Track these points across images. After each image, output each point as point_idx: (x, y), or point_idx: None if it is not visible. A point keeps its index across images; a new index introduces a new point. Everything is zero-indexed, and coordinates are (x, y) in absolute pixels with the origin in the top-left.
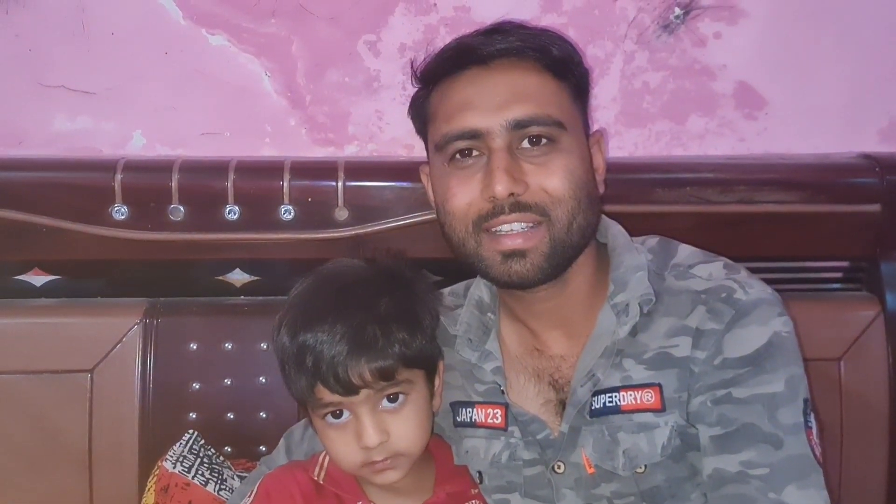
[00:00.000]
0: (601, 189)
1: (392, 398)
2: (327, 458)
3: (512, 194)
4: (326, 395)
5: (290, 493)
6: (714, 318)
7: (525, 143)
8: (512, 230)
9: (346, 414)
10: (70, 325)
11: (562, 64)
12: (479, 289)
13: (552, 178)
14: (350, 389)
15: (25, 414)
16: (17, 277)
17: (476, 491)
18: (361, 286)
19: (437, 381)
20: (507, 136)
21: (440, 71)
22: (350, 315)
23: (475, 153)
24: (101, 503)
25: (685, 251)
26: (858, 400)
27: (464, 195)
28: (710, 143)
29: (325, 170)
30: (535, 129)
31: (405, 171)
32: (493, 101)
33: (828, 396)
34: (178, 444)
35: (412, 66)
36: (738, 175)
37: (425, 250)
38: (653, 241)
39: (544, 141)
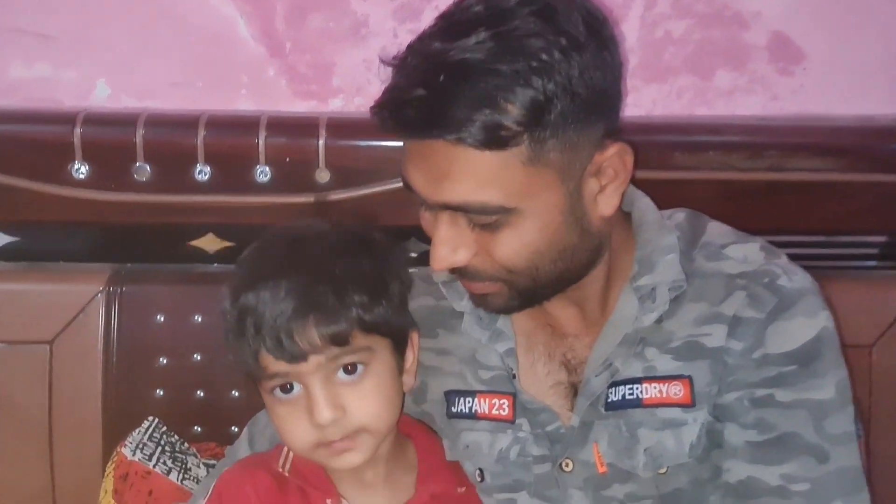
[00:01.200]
0: (609, 209)
1: (349, 369)
2: (292, 454)
3: (453, 267)
4: (271, 364)
5: (245, 496)
6: (754, 305)
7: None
8: None
9: (296, 387)
10: (27, 291)
11: (529, 114)
12: None
13: (501, 250)
14: (296, 355)
15: None
16: None
17: (462, 490)
18: (316, 245)
19: (409, 356)
20: (449, 210)
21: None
22: (298, 273)
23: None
24: (63, 482)
25: (716, 229)
26: (892, 390)
27: (428, 234)
28: (739, 102)
29: (305, 126)
30: (471, 217)
31: None
32: (422, 178)
33: (858, 386)
34: (137, 431)
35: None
36: (769, 138)
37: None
38: (680, 215)
39: (488, 224)
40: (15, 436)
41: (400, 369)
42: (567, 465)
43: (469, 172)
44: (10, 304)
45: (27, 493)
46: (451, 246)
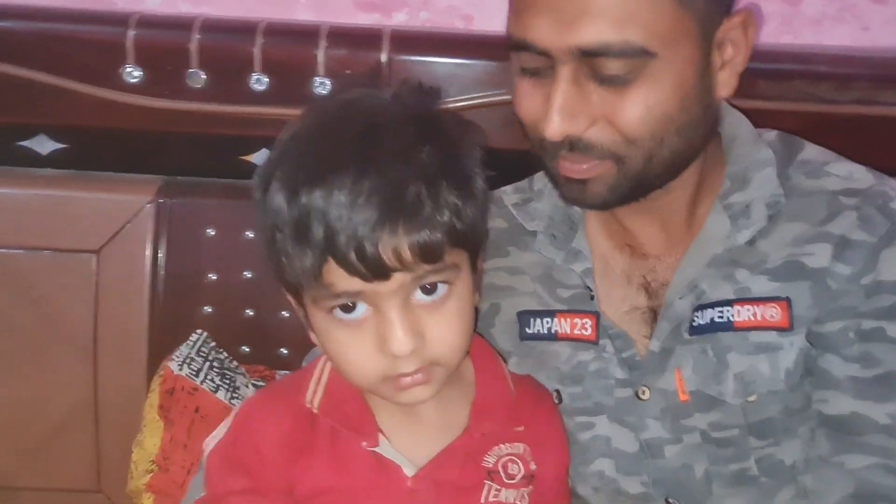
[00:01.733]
0: (726, 90)
1: (428, 289)
2: (325, 373)
3: (568, 136)
4: (341, 281)
5: (263, 439)
6: (866, 227)
7: (599, 72)
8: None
9: (361, 307)
10: (76, 199)
11: None
12: None
13: (625, 114)
14: (379, 272)
15: (26, 295)
16: (21, 143)
17: (521, 429)
18: (393, 127)
19: (480, 267)
20: (574, 63)
21: None
22: (382, 166)
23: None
24: (106, 395)
25: (814, 148)
26: None
27: (531, 108)
28: (827, 31)
29: (367, 38)
30: (607, 64)
31: (462, 45)
32: (551, 20)
33: None
34: (184, 345)
35: None
36: (859, 69)
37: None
38: (771, 134)
39: (620, 76)
40: (59, 345)
41: (476, 289)
42: (644, 392)
43: (612, 5)
44: (57, 211)
45: (70, 403)
46: (569, 110)
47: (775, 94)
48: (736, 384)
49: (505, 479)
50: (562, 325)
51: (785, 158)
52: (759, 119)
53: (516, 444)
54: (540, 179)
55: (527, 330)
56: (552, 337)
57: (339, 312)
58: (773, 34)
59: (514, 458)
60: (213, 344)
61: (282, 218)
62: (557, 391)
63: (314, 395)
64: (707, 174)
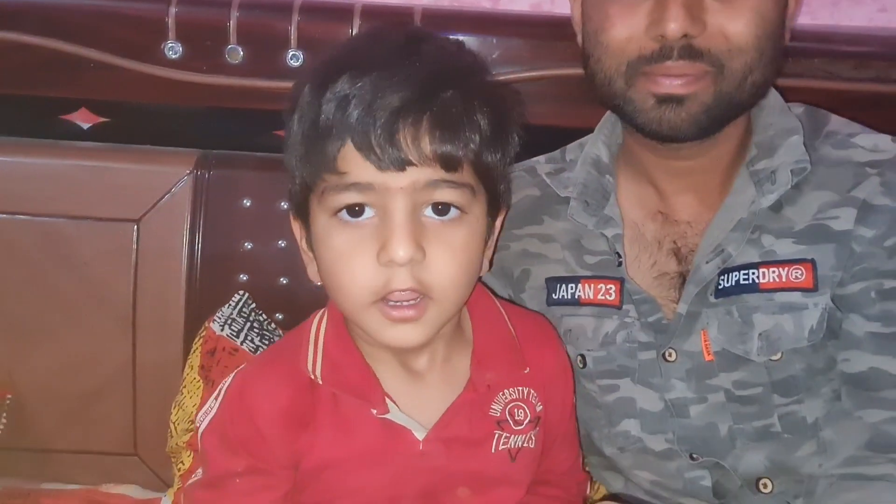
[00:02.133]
0: (788, 36)
1: (440, 209)
2: (321, 337)
3: (686, 35)
4: (355, 168)
5: (260, 411)
6: (889, 192)
7: None
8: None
9: (368, 212)
10: (117, 170)
11: None
12: (597, 147)
13: (737, 22)
14: (394, 160)
15: (67, 262)
16: (63, 117)
17: (528, 370)
18: (442, 48)
19: (495, 230)
20: None
21: None
22: (421, 65)
23: None
24: (144, 362)
25: (840, 120)
26: None
27: (624, 27)
28: (845, 12)
29: (399, 16)
30: None
31: (488, 22)
32: None
33: None
34: (226, 306)
35: None
36: (877, 48)
37: None
38: (799, 108)
39: None
40: (99, 311)
41: (485, 242)
42: (670, 354)
43: None
44: (98, 181)
45: (109, 368)
46: (690, 10)
47: (796, 71)
48: (761, 343)
49: (513, 426)
50: (585, 291)
51: (811, 130)
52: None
53: (521, 387)
54: (573, 150)
55: (553, 296)
56: (576, 302)
57: (344, 215)
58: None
59: (519, 402)
60: (253, 305)
61: (307, 106)
62: (582, 356)
63: (314, 362)
64: (740, 142)
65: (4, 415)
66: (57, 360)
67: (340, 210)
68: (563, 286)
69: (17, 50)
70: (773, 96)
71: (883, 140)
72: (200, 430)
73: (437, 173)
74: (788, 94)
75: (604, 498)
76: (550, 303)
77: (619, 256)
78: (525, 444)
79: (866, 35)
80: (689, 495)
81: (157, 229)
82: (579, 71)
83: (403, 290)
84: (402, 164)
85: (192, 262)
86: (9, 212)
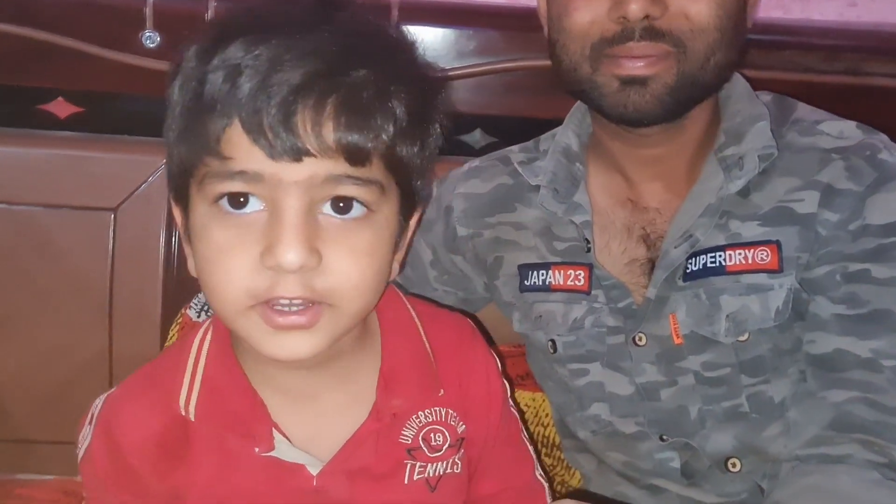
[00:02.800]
0: (750, 22)
1: (341, 206)
2: (201, 362)
3: (647, 16)
4: (243, 154)
5: (126, 448)
6: (853, 177)
7: None
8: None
9: (254, 203)
10: (94, 159)
11: None
12: (567, 136)
13: (698, 3)
14: (290, 147)
15: (44, 250)
16: (40, 107)
17: (442, 393)
18: (357, 21)
19: (409, 229)
20: None
21: None
22: (330, 37)
23: None
24: (120, 351)
25: (806, 107)
26: None
27: (587, 10)
28: (815, 7)
29: (376, 8)
30: None
31: (464, 14)
32: None
33: None
34: (202, 293)
35: None
36: (846, 41)
37: (481, 106)
38: (766, 96)
39: None
40: (75, 300)
41: (396, 244)
42: (640, 339)
43: None
44: (75, 170)
45: (84, 357)
46: None
47: (768, 63)
48: (728, 324)
49: (429, 454)
50: (556, 277)
51: (779, 118)
52: (753, 88)
53: (437, 408)
54: (546, 140)
55: (525, 282)
56: (546, 288)
57: (226, 204)
58: (763, 9)
59: (436, 426)
60: None
61: (191, 72)
62: (553, 341)
63: (188, 397)
64: (706, 130)
65: None
66: (32, 350)
67: (221, 198)
68: (535, 273)
69: None
70: (741, 84)
71: (848, 127)
72: (79, 459)
73: (339, 167)
74: (760, 86)
75: (568, 494)
76: (523, 289)
77: (588, 243)
78: (448, 470)
79: (836, 28)
80: (659, 476)
81: (134, 218)
82: None
83: (290, 298)
84: (298, 154)
85: (169, 250)
86: None
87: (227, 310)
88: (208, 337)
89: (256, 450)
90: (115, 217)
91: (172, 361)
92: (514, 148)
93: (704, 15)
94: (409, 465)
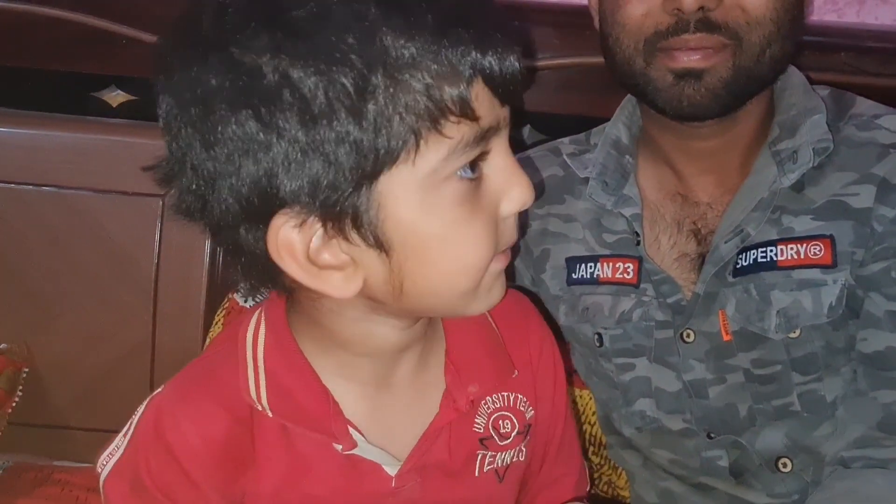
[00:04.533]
0: (807, 12)
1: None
2: (260, 353)
3: (702, 7)
4: (487, 108)
5: (182, 463)
6: None
7: None
8: (690, 48)
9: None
10: (145, 145)
11: None
12: (617, 128)
13: None
14: (517, 85)
15: (91, 235)
16: (93, 94)
17: (516, 374)
18: None
19: None
20: None
21: None
22: None
23: None
24: (164, 335)
25: (865, 102)
26: None
27: (640, 3)
28: (870, 11)
29: None
30: None
31: (518, 10)
32: None
33: None
34: None
35: None
36: None
37: (532, 102)
38: (823, 90)
39: None
40: (121, 285)
41: None
42: (688, 335)
43: None
44: (126, 155)
45: (128, 343)
46: None
47: (822, 65)
48: (779, 320)
49: (499, 442)
50: (604, 270)
51: (836, 112)
52: None
53: (506, 393)
54: (597, 133)
55: (573, 275)
56: (594, 281)
57: (466, 172)
58: (817, 13)
59: (505, 412)
60: None
61: (399, 52)
62: (599, 334)
63: (257, 387)
64: (760, 123)
65: (20, 388)
66: (76, 335)
67: (463, 166)
68: (583, 265)
69: (50, 25)
70: (797, 76)
71: None
72: (102, 477)
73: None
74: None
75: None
76: (570, 282)
77: (637, 235)
78: (514, 459)
79: (892, 32)
80: (706, 474)
81: None
82: None
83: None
84: (516, 94)
85: None
86: (35, 183)
87: (477, 282)
88: (262, 326)
89: (339, 448)
90: (163, 204)
91: (224, 359)
92: (565, 140)
93: (760, 7)
94: (479, 456)
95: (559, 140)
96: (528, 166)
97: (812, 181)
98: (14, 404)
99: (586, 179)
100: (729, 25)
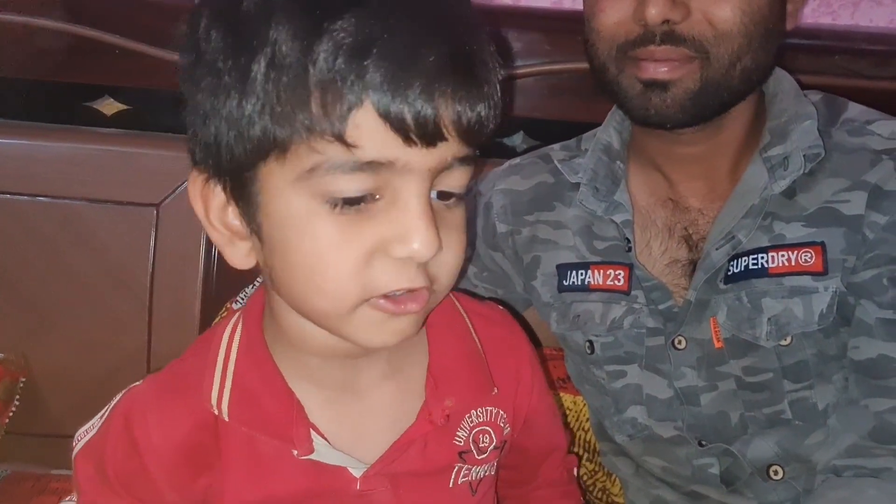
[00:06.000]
0: (791, 23)
1: (445, 192)
2: (232, 358)
3: (667, 21)
4: (372, 142)
5: (143, 459)
6: None
7: None
8: (656, 60)
9: (365, 198)
10: (139, 155)
11: None
12: (608, 133)
13: (722, 7)
14: (429, 130)
15: (86, 245)
16: (87, 104)
17: (496, 391)
18: None
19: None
20: None
21: None
22: (441, 10)
23: None
24: (159, 345)
25: (857, 107)
26: None
27: (613, 12)
28: (864, 13)
29: None
30: None
31: (508, 17)
32: None
33: None
34: (250, 287)
35: None
36: None
37: (524, 108)
38: (816, 96)
39: None
40: (116, 294)
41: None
42: (679, 342)
43: None
44: (120, 165)
45: (123, 352)
46: None
47: (816, 68)
48: (770, 326)
49: (477, 456)
50: (595, 277)
51: (828, 117)
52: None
53: (488, 408)
54: (587, 139)
55: (563, 282)
56: (585, 288)
57: (341, 201)
58: (812, 15)
59: (486, 427)
60: None
61: (283, 47)
62: (590, 342)
63: (220, 395)
64: (751, 128)
65: (17, 398)
66: (72, 344)
67: (334, 198)
68: (574, 272)
69: (43, 35)
70: (788, 82)
71: None
72: (75, 451)
73: (463, 149)
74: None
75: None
76: (561, 289)
77: (629, 242)
78: (487, 473)
79: (887, 34)
80: (698, 482)
81: (177, 215)
82: None
83: (417, 289)
84: (435, 140)
85: (210, 247)
86: (30, 194)
87: (337, 308)
88: (238, 330)
89: (295, 453)
90: (157, 213)
91: (200, 357)
92: (556, 146)
93: (729, 21)
94: (456, 469)
95: (549, 147)
96: (518, 173)
97: (803, 187)
98: (11, 414)
99: (577, 185)
100: (695, 39)
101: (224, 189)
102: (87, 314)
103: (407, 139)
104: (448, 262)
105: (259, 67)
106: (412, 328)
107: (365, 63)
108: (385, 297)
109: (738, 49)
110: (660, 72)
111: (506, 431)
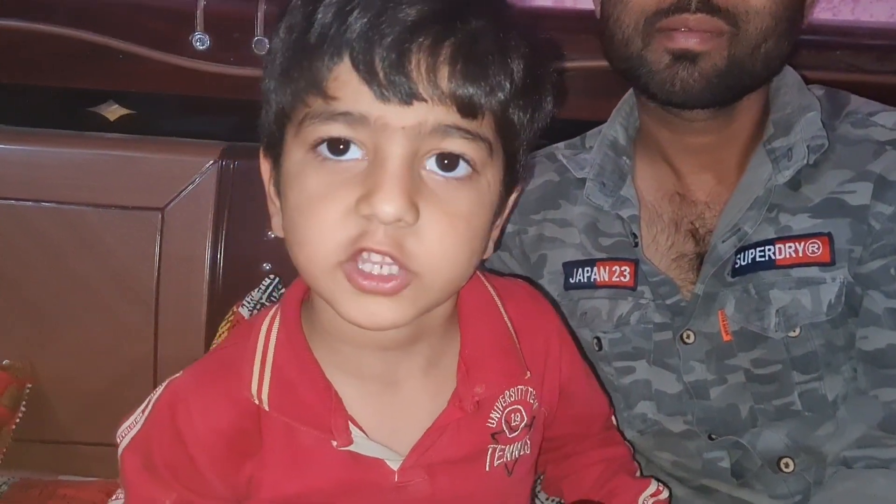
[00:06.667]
0: (806, 17)
1: (447, 163)
2: (270, 350)
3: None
4: (349, 94)
5: (188, 449)
6: None
7: None
8: (689, 29)
9: (355, 151)
10: (143, 160)
11: None
12: (614, 129)
13: None
14: (401, 88)
15: (92, 249)
16: (90, 109)
17: (529, 375)
18: None
19: (507, 206)
20: None
21: None
22: None
23: None
24: (165, 349)
25: (860, 100)
26: None
27: None
28: (864, 8)
29: None
30: None
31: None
32: None
33: None
34: (256, 290)
35: None
36: None
37: None
38: (819, 90)
39: None
40: (122, 300)
41: (494, 217)
42: (688, 336)
43: None
44: (124, 170)
45: (130, 356)
46: None
47: (818, 63)
48: (778, 318)
49: (509, 434)
50: (601, 273)
51: (832, 110)
52: None
53: (520, 387)
54: (592, 136)
55: (570, 280)
56: (592, 285)
57: (325, 149)
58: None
59: (517, 405)
60: (283, 290)
61: (298, 12)
62: (598, 338)
63: (260, 385)
64: (758, 121)
65: (24, 404)
66: (78, 350)
67: (321, 144)
68: (580, 270)
69: (47, 40)
70: (791, 75)
71: None
72: (121, 448)
73: (450, 116)
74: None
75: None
76: (568, 287)
77: (635, 237)
78: (521, 453)
79: (888, 29)
80: (708, 476)
81: (182, 218)
82: (602, 64)
83: (377, 252)
84: (409, 97)
85: (215, 251)
86: (35, 199)
87: (315, 265)
88: (276, 321)
89: (334, 443)
90: (162, 217)
91: (241, 347)
92: (560, 145)
93: None
94: (490, 450)
95: (554, 145)
96: None
97: (809, 179)
98: (18, 421)
99: (583, 182)
100: (729, 11)
101: (270, 164)
102: (94, 320)
103: (380, 94)
104: (430, 240)
105: (278, 41)
106: (391, 315)
107: (349, 19)
108: (356, 268)
109: (765, 29)
110: (691, 42)
111: (534, 407)
